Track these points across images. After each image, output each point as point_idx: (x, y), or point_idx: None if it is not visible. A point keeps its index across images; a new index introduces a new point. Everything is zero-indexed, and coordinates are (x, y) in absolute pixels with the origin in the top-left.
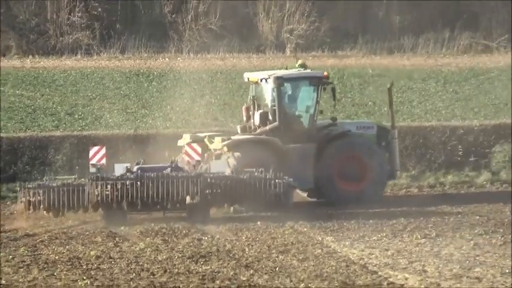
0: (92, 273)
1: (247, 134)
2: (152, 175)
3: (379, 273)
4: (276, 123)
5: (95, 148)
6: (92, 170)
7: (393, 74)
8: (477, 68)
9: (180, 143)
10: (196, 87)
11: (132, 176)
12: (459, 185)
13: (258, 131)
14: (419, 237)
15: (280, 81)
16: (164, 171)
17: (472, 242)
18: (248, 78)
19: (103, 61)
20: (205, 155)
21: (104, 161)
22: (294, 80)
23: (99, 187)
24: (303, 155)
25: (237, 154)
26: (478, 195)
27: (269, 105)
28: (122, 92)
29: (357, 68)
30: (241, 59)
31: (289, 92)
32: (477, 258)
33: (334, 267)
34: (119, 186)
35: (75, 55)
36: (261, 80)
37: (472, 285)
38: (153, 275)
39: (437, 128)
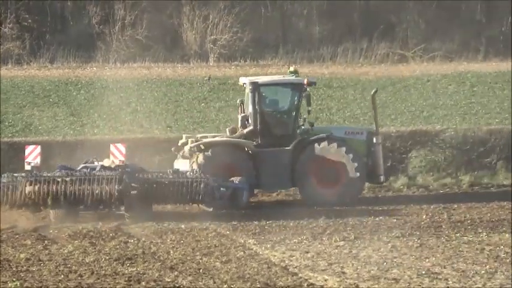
0: (22, 275)
1: (220, 136)
2: (77, 173)
3: (300, 275)
4: (251, 127)
5: (31, 147)
6: (27, 167)
7: None
8: (394, 76)
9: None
10: (122, 95)
11: (57, 174)
12: (377, 189)
13: (237, 133)
14: (338, 239)
15: (255, 86)
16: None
17: (389, 244)
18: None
19: (33, 70)
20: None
21: (38, 159)
22: (270, 85)
23: (29, 184)
24: (278, 158)
25: (207, 154)
26: (395, 198)
27: (248, 109)
28: (51, 100)
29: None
30: (166, 68)
31: (268, 97)
32: (394, 260)
33: (256, 269)
34: (45, 183)
35: (6, 65)
36: (243, 85)
37: (389, 286)
38: (81, 276)
39: None
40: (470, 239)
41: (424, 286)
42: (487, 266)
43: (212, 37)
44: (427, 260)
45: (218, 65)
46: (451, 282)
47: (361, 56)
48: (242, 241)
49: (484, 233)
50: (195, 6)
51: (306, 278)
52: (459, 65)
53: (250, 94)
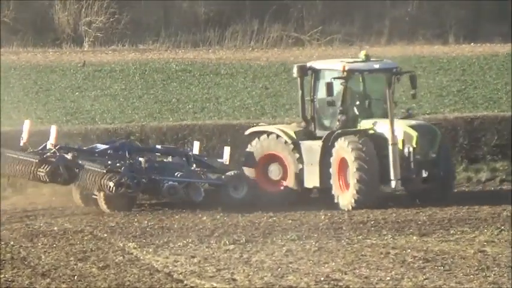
0: None
1: (275, 125)
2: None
3: (185, 282)
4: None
5: None
6: None
7: (198, 68)
8: (288, 62)
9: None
10: None
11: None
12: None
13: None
14: (227, 243)
15: (302, 71)
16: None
17: (284, 248)
18: None
19: None
20: None
21: None
22: (316, 71)
23: None
24: (311, 152)
25: (254, 142)
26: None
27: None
28: None
29: (159, 62)
30: (36, 53)
31: (317, 84)
32: (290, 265)
33: (137, 276)
34: None
35: None
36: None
37: None
38: None
39: (246, 126)
40: (374, 241)
41: None
42: (393, 272)
43: (87, 19)
44: (326, 265)
45: (93, 50)
46: None
47: (251, 39)
48: (121, 245)
49: (389, 235)
50: None
51: (193, 285)
52: (360, 49)
53: (298, 79)
